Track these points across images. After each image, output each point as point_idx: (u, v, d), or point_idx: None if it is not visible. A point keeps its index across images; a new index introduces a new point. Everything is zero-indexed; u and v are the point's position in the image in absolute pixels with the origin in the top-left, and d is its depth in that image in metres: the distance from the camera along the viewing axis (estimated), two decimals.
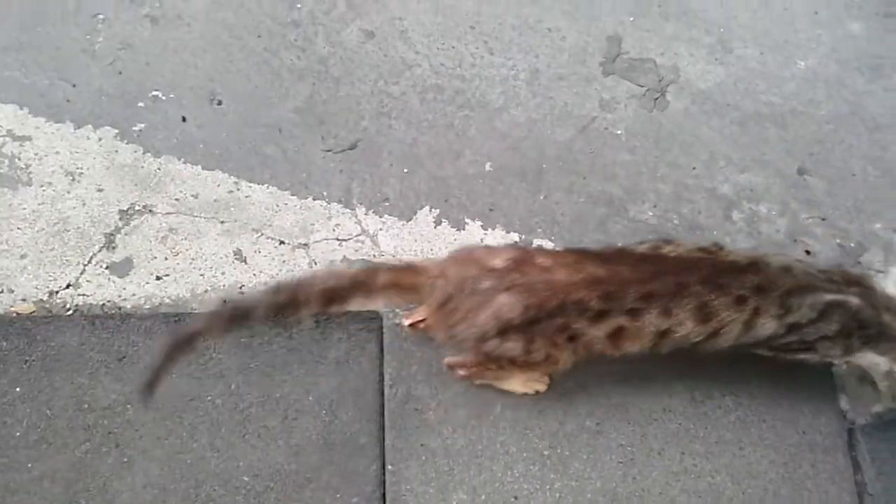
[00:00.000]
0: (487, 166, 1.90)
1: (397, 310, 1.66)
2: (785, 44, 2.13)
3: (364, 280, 1.37)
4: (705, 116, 2.00)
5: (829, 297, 1.42)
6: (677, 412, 1.62)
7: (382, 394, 1.58)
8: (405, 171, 1.88)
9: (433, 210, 1.84)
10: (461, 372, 1.53)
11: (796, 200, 1.90)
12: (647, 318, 1.34)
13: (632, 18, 2.13)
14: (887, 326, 1.45)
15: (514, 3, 2.14)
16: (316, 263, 1.74)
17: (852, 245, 1.84)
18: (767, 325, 1.40)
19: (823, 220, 1.87)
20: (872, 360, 1.50)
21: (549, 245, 1.80)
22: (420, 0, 2.11)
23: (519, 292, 1.30)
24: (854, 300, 1.42)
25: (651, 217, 1.85)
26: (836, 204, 1.90)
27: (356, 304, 1.39)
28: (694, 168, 1.93)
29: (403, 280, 1.38)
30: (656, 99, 2.01)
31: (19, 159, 1.80)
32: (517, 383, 1.58)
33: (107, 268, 1.70)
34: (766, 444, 1.59)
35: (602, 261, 1.36)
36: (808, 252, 1.82)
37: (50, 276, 1.68)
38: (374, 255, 1.77)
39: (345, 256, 1.76)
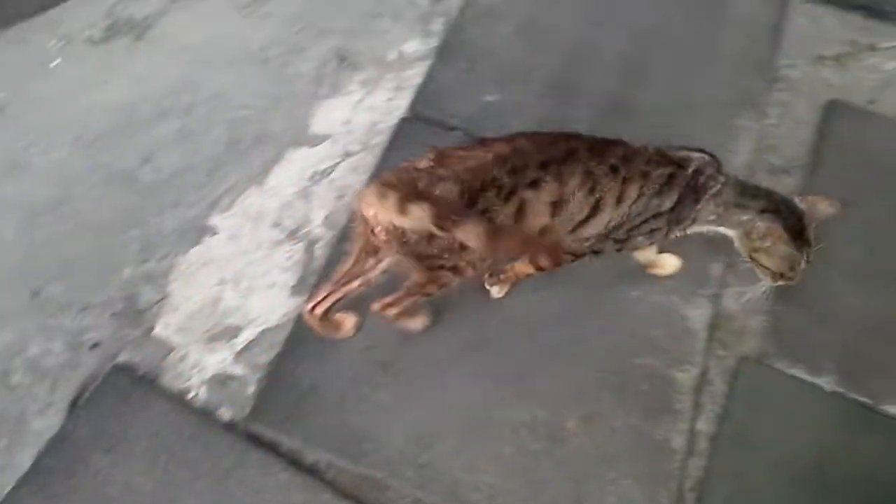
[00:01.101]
0: None
1: None
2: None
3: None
4: None
5: (673, 166, 1.52)
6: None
7: None
8: None
9: None
10: (392, 311, 1.63)
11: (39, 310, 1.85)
12: (545, 186, 1.44)
13: None
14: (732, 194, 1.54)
15: None
16: None
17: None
18: (631, 195, 1.50)
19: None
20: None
21: None
22: None
23: (451, 181, 1.40)
24: (699, 156, 1.53)
25: None
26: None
27: None
28: None
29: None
30: None
31: None
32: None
33: None
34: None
35: (505, 140, 1.47)
36: (95, 345, 1.80)
37: None
38: None
39: None
